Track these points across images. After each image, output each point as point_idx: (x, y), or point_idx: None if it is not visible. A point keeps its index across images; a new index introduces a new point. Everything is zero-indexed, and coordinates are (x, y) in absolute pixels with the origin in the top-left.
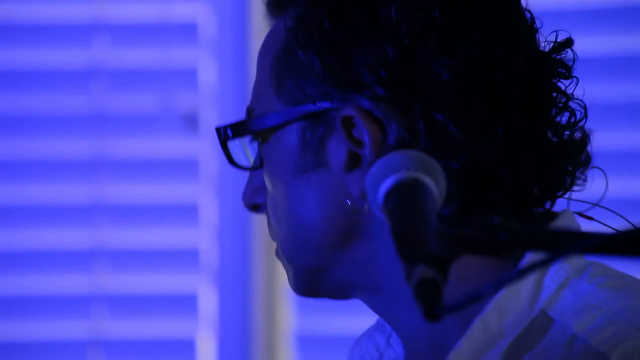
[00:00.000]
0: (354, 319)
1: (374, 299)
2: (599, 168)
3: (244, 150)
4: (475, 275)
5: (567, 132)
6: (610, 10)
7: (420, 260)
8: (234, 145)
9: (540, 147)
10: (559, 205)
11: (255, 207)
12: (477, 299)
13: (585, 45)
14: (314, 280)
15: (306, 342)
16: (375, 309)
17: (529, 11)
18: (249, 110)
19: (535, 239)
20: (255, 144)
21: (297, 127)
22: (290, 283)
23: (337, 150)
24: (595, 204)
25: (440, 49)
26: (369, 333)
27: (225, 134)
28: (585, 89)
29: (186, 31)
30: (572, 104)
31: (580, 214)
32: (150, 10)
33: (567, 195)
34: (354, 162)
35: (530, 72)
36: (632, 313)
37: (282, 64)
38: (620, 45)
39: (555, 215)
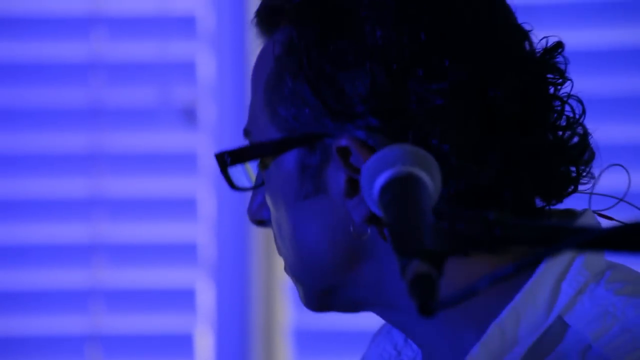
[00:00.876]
0: (353, 313)
1: (388, 313)
2: (621, 165)
3: (245, 169)
4: (473, 271)
5: (567, 133)
6: (613, 2)
7: (415, 255)
8: (234, 168)
9: (540, 156)
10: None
11: (261, 222)
12: (472, 294)
13: (600, 37)
14: (325, 299)
15: (304, 337)
16: (390, 322)
17: (514, 16)
18: (246, 132)
19: (531, 234)
20: (255, 163)
21: (294, 154)
22: (301, 300)
23: (335, 177)
24: (617, 201)
25: (430, 73)
26: (386, 330)
27: (224, 161)
28: (606, 82)
29: (184, 24)
30: (569, 102)
31: (599, 214)
32: (148, 3)
33: (588, 192)
34: (353, 188)
35: (524, 87)
36: None
37: (273, 92)
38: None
39: (576, 214)
